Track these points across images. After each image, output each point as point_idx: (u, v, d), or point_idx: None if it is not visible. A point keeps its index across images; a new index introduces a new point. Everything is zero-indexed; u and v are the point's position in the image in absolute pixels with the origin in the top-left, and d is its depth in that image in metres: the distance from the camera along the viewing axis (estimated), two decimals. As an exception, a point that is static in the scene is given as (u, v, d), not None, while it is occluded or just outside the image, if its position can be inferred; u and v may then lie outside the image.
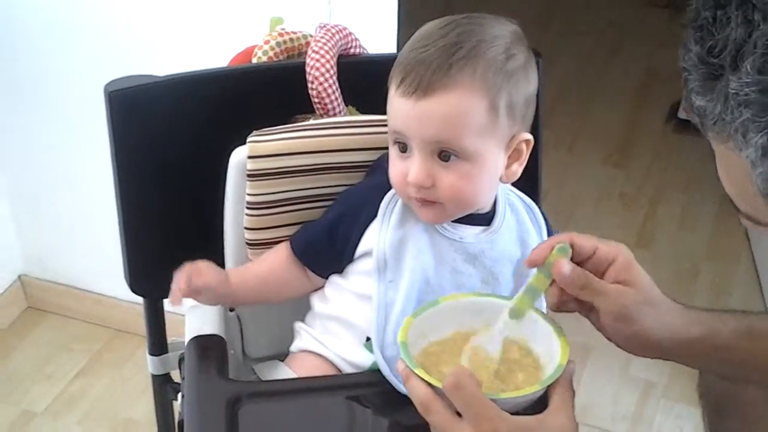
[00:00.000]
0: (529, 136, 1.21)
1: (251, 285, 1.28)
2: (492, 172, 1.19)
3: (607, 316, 1.09)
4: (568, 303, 1.12)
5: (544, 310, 1.17)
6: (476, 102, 1.13)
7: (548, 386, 1.05)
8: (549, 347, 1.10)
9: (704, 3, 0.77)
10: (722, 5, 0.75)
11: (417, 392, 1.04)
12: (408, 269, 1.21)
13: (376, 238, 1.22)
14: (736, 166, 0.80)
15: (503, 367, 1.09)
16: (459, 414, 1.01)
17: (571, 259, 1.11)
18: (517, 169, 1.22)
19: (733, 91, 0.74)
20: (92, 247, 2.26)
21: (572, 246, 1.11)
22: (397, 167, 1.19)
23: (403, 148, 1.18)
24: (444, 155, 1.15)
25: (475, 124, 1.14)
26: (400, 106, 1.15)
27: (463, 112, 1.13)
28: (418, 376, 1.04)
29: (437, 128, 1.14)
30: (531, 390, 1.05)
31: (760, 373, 1.15)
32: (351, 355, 1.25)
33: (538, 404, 1.05)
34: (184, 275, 1.21)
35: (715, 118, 0.78)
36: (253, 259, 1.33)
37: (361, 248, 1.24)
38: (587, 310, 1.12)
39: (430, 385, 1.03)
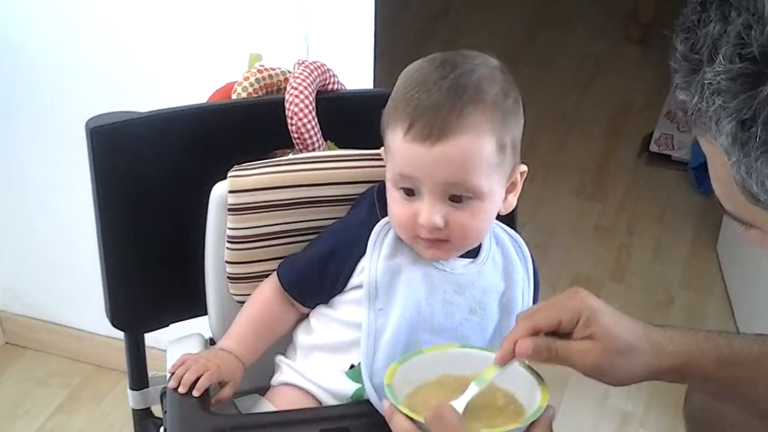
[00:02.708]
0: (524, 168, 1.25)
1: (251, 342, 1.30)
2: (497, 207, 1.22)
3: (583, 372, 1.11)
4: None
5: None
6: (487, 142, 1.16)
7: (528, 428, 1.08)
8: (531, 396, 1.12)
9: (692, 9, 0.82)
10: (706, 8, 0.80)
11: (400, 428, 1.07)
12: (400, 299, 1.23)
13: (366, 268, 1.23)
14: (718, 162, 0.83)
15: (486, 412, 1.11)
16: None
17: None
18: (513, 200, 1.26)
19: (708, 81, 0.78)
20: (71, 282, 2.25)
21: (537, 331, 1.11)
22: (403, 209, 1.20)
23: (410, 191, 1.19)
24: (455, 197, 1.17)
25: (486, 163, 1.17)
26: (410, 152, 1.15)
27: (477, 152, 1.16)
28: (402, 412, 1.07)
29: (453, 171, 1.15)
30: (511, 427, 1.07)
31: (741, 399, 1.17)
32: (333, 384, 1.26)
33: None
34: (207, 381, 1.23)
35: (693, 109, 0.81)
36: (236, 298, 1.35)
37: (352, 282, 1.26)
38: None
39: (413, 421, 1.06)
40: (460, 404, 1.07)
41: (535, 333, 1.10)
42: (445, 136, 1.13)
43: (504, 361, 1.12)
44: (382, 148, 1.25)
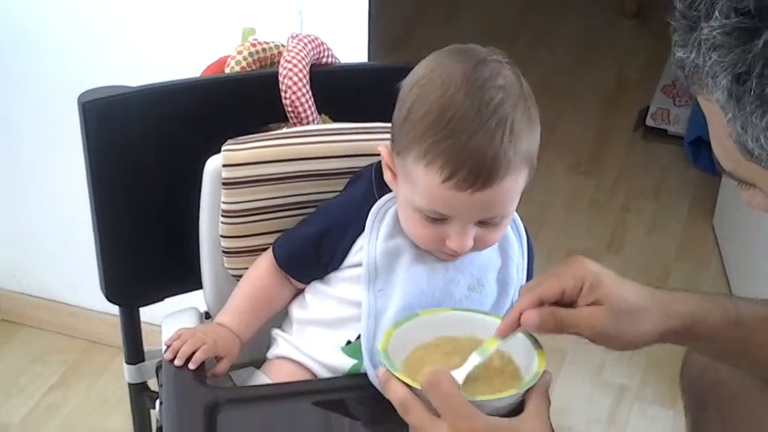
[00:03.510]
0: (535, 166, 1.21)
1: (247, 317, 1.30)
2: None
3: (590, 338, 1.10)
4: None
5: None
6: (523, 173, 1.16)
7: (525, 393, 1.07)
8: (528, 359, 1.12)
9: None
10: None
11: (396, 394, 1.06)
12: (401, 280, 1.23)
13: (365, 248, 1.23)
14: (716, 120, 0.83)
15: (484, 373, 1.11)
16: (437, 415, 1.02)
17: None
18: None
19: (704, 37, 0.79)
20: (66, 259, 2.25)
21: (541, 301, 1.10)
22: (428, 231, 1.18)
23: (437, 219, 1.17)
24: (486, 222, 1.17)
25: (521, 189, 1.17)
26: (450, 197, 1.13)
27: (516, 188, 1.16)
28: (398, 378, 1.06)
29: (497, 210, 1.16)
30: (508, 393, 1.07)
31: (749, 361, 1.16)
32: (329, 358, 1.26)
33: (515, 413, 1.07)
34: (203, 354, 1.23)
35: (691, 66, 0.81)
36: (231, 272, 1.35)
37: (348, 260, 1.26)
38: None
39: (408, 386, 1.05)
40: (460, 374, 1.07)
41: (540, 304, 1.09)
42: (489, 184, 1.12)
43: (507, 332, 1.11)
44: (387, 143, 1.22)
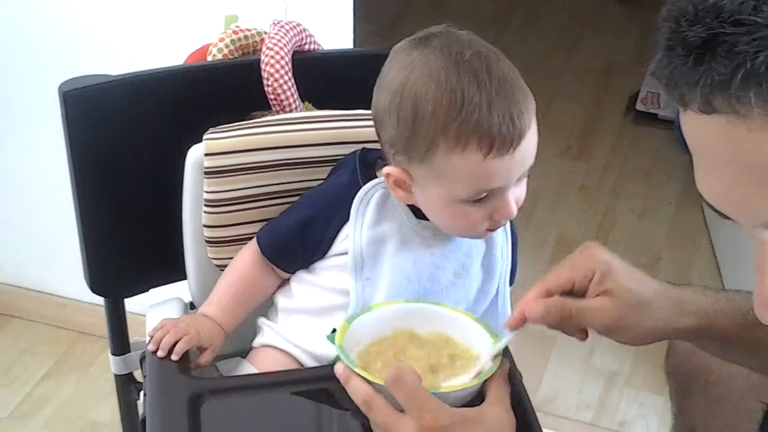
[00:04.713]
0: None
1: (231, 308, 1.29)
2: None
3: (599, 331, 1.08)
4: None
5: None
6: (534, 115, 1.15)
7: (485, 382, 1.07)
8: (485, 347, 1.12)
9: None
10: None
11: (358, 391, 1.05)
12: (387, 268, 1.22)
13: (350, 237, 1.22)
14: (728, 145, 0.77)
15: (446, 362, 1.12)
16: (401, 410, 1.02)
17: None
18: None
19: None
20: (54, 250, 2.24)
21: (549, 293, 1.08)
22: (475, 217, 1.17)
23: (481, 198, 1.16)
24: (518, 180, 1.17)
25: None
26: (496, 167, 1.12)
27: (536, 131, 1.15)
28: (359, 375, 1.05)
29: (529, 161, 1.16)
30: (470, 384, 1.07)
31: (760, 363, 1.15)
32: (315, 347, 1.26)
33: (477, 399, 1.07)
34: (185, 345, 1.22)
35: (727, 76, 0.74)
36: (215, 261, 1.35)
37: (334, 249, 1.25)
38: (583, 332, 1.11)
39: (370, 383, 1.05)
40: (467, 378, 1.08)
41: (548, 295, 1.07)
42: (524, 135, 1.12)
43: (515, 325, 1.09)
44: (388, 168, 1.19)
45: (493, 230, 1.21)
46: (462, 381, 1.08)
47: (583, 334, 1.10)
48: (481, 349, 1.13)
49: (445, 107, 1.10)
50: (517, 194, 1.18)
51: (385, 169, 1.19)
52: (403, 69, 1.14)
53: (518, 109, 1.11)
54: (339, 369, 1.08)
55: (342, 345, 1.10)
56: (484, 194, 1.15)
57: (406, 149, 1.15)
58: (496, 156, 1.11)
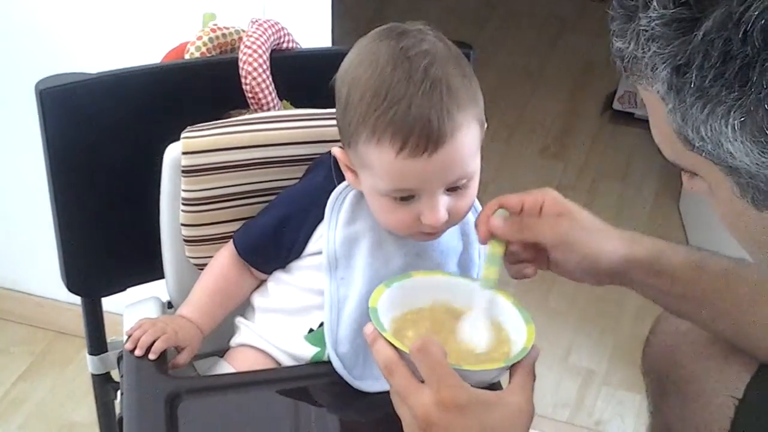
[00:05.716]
0: (485, 124, 1.21)
1: (208, 308, 1.29)
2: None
3: (555, 251, 1.14)
4: (524, 270, 1.19)
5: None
6: (474, 128, 1.15)
7: (511, 367, 1.07)
8: (518, 330, 1.12)
9: None
10: None
11: (382, 355, 1.05)
12: (361, 267, 1.22)
13: (324, 236, 1.23)
14: (656, 109, 0.82)
15: (475, 336, 1.12)
16: (421, 381, 1.01)
17: None
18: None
19: (642, 28, 0.77)
20: (30, 249, 2.23)
21: (503, 207, 1.18)
22: (401, 215, 1.17)
23: (406, 198, 1.16)
24: (454, 188, 1.16)
25: (476, 146, 1.16)
26: (407, 167, 1.12)
27: (469, 142, 1.14)
28: (386, 340, 1.05)
29: (457, 171, 1.14)
30: (494, 366, 1.07)
31: (707, 310, 1.17)
32: (292, 347, 1.26)
33: (499, 387, 1.07)
34: (163, 344, 1.22)
35: (630, 57, 0.80)
36: (192, 260, 1.35)
37: (309, 248, 1.25)
38: (543, 262, 1.18)
39: (396, 349, 1.04)
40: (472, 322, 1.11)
41: (501, 205, 1.18)
42: (443, 141, 1.10)
43: (484, 238, 1.18)
44: (338, 146, 1.21)
45: (428, 234, 1.20)
46: (488, 363, 1.08)
47: (532, 269, 1.19)
48: (513, 332, 1.12)
49: (368, 98, 1.12)
50: (454, 204, 1.17)
51: (333, 150, 1.21)
52: (356, 56, 1.16)
53: (442, 114, 1.10)
54: (368, 330, 1.07)
55: (376, 307, 1.10)
56: (408, 194, 1.15)
57: (341, 132, 1.18)
58: (409, 156, 1.10)
